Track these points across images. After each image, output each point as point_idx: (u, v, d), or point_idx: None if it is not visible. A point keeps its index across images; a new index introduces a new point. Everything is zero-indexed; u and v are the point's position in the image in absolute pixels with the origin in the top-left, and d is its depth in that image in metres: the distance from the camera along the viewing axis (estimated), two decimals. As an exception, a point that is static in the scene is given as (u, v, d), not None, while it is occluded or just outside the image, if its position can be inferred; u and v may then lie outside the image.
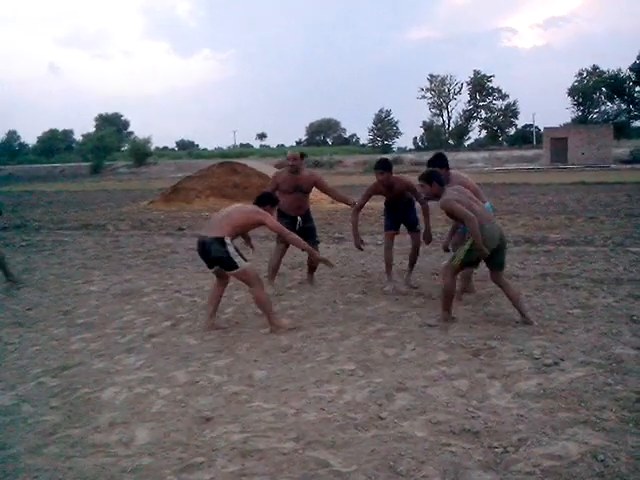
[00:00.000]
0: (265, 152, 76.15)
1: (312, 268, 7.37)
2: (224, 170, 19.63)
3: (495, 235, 5.33)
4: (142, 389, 4.23)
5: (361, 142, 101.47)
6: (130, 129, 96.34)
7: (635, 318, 5.33)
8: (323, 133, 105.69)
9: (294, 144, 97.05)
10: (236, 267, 5.33)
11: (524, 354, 4.56)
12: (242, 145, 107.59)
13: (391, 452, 3.17)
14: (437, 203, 5.54)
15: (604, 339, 4.83)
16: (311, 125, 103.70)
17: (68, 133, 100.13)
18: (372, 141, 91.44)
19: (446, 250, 6.43)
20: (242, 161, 22.68)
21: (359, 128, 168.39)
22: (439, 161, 6.18)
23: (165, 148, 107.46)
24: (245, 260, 5.43)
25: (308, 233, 7.00)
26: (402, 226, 7.07)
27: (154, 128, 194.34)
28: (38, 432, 3.59)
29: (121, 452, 3.31)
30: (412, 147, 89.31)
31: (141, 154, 65.65)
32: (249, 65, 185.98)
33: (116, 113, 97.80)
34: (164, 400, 4.02)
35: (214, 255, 5.35)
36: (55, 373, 4.59)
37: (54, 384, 4.39)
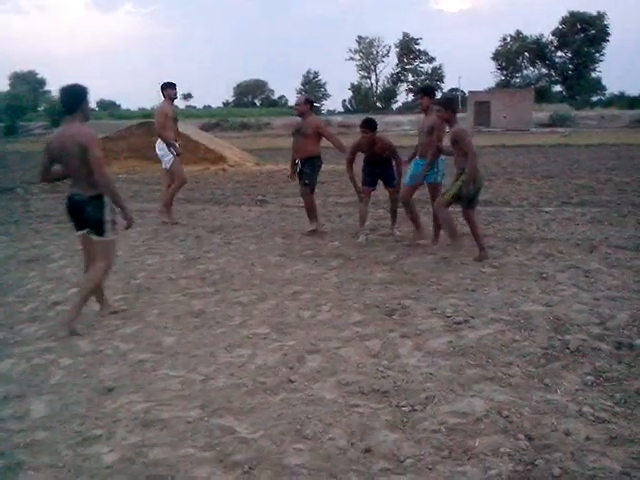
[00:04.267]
0: (191, 113, 73.90)
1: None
2: (144, 131, 18.80)
3: (482, 176, 6.20)
4: (41, 360, 3.99)
5: (290, 104, 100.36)
6: (47, 88, 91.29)
7: (545, 276, 5.48)
8: (251, 94, 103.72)
9: (221, 105, 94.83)
10: (103, 234, 4.55)
11: (436, 313, 4.60)
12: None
13: (298, 415, 3.10)
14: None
15: (514, 297, 4.93)
16: (239, 86, 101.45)
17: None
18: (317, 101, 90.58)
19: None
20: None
21: (288, 89, 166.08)
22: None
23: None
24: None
25: (300, 175, 7.68)
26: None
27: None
28: None
29: (14, 427, 3.10)
30: (341, 109, 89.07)
31: (59, 114, 62.50)
32: (173, 21, 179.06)
33: (31, 71, 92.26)
34: (64, 371, 3.81)
35: (88, 215, 4.52)
36: (-55, 345, 4.27)
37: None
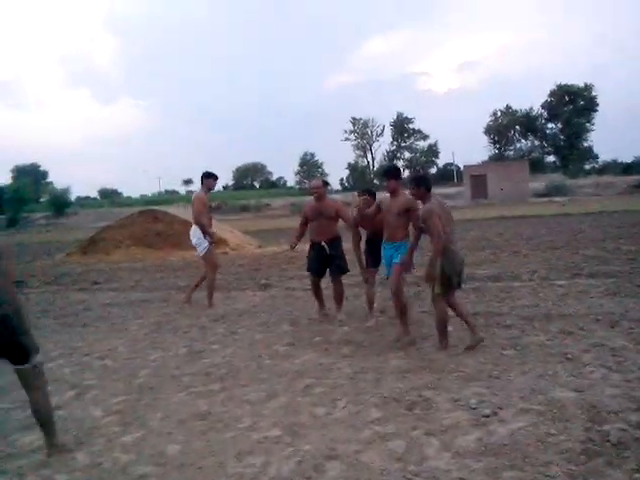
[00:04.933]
0: (192, 198, 75.03)
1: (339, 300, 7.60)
2: (145, 218, 18.91)
3: (458, 257, 5.67)
4: (36, 477, 3.64)
5: (288, 184, 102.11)
6: (50, 179, 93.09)
7: (570, 356, 5.18)
8: (250, 177, 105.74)
9: (221, 189, 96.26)
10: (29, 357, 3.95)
11: (460, 404, 4.27)
12: (167, 192, 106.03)
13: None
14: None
15: (541, 382, 4.61)
16: (238, 169, 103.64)
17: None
18: (299, 183, 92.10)
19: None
20: (164, 208, 22.01)
21: (285, 171, 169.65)
22: (395, 172, 6.43)
23: (87, 197, 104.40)
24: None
25: (333, 262, 7.37)
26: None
27: (75, 178, 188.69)
28: None
29: None
30: (339, 188, 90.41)
31: (60, 204, 63.41)
32: (172, 111, 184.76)
33: (34, 163, 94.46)
34: (58, 491, 3.46)
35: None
36: None
37: None
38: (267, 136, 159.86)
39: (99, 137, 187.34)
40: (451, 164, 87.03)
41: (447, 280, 5.53)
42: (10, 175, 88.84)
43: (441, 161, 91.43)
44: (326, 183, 7.78)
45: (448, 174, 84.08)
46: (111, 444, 4.08)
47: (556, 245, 13.86)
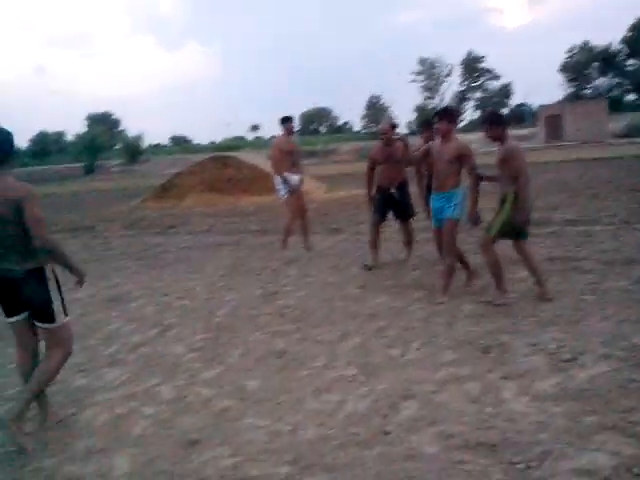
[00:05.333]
0: (259, 144, 75.41)
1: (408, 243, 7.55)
2: (215, 164, 19.19)
3: (529, 206, 5.29)
4: (124, 408, 3.86)
5: (354, 129, 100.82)
6: (122, 127, 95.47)
7: (654, 302, 4.98)
8: (316, 122, 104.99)
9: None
10: (52, 319, 3.55)
11: (539, 349, 4.20)
12: (235, 138, 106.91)
13: (399, 474, 2.81)
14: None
15: (623, 327, 4.46)
16: (303, 115, 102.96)
17: (60, 135, 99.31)
18: (366, 127, 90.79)
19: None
20: (234, 154, 22.24)
21: (351, 115, 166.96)
22: (447, 113, 5.80)
23: (159, 145, 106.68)
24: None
25: (401, 207, 7.21)
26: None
27: (147, 125, 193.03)
28: (9, 465, 3.23)
29: (97, 487, 2.96)
30: (407, 131, 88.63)
31: (133, 152, 65.09)
32: (238, 57, 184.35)
33: (106, 112, 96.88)
34: (148, 420, 3.66)
35: (29, 297, 3.50)
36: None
37: (31, 406, 4.01)
38: (333, 80, 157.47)
39: (168, 85, 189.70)
40: (524, 104, 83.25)
41: (510, 229, 5.19)
42: (85, 124, 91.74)
43: (514, 101, 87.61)
44: (394, 126, 7.50)
45: (521, 115, 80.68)
46: (193, 379, 4.27)
47: (636, 187, 13.17)
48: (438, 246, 5.98)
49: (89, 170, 59.90)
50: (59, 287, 3.55)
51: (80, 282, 3.71)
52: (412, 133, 78.99)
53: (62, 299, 3.57)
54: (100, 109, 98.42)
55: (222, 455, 3.16)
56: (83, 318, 6.12)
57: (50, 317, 3.52)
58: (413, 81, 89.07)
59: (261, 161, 20.10)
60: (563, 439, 2.99)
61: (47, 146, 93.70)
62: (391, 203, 7.25)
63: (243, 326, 5.37)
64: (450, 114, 5.77)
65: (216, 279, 7.35)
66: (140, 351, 4.97)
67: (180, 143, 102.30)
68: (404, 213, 7.30)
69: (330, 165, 39.87)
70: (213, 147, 72.54)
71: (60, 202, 23.57)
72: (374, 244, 7.32)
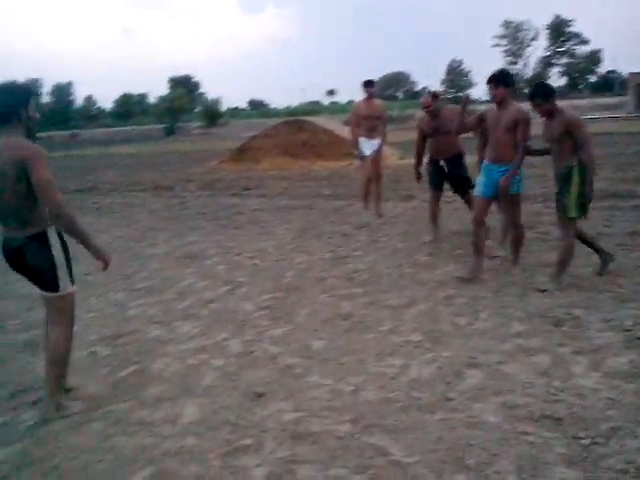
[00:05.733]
0: (334, 109, 75.12)
1: None
2: (290, 128, 19.27)
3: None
4: (194, 360, 4.02)
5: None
6: (202, 90, 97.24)
7: None
8: (393, 87, 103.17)
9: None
10: (56, 288, 3.31)
11: (613, 325, 4.04)
12: (311, 102, 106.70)
13: (459, 441, 2.80)
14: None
15: None
16: (381, 79, 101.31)
17: (143, 96, 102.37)
18: (444, 93, 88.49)
19: None
20: (309, 118, 22.22)
21: (430, 80, 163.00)
22: (504, 77, 5.33)
23: (237, 108, 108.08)
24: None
25: (453, 180, 6.80)
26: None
27: (226, 89, 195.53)
28: (83, 405, 3.43)
29: (166, 431, 3.10)
30: (486, 98, 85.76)
31: (212, 115, 66.24)
32: (316, 20, 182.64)
33: (187, 75, 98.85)
34: (216, 372, 3.80)
35: (30, 264, 3.27)
36: (108, 342, 4.46)
37: (107, 353, 4.25)
38: (412, 44, 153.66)
39: (248, 48, 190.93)
40: (613, 71, 78.59)
41: (586, 201, 4.77)
42: (167, 86, 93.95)
43: (602, 68, 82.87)
44: (436, 96, 6.93)
45: (609, 82, 76.24)
46: (261, 336, 4.38)
47: None
48: (478, 216, 5.44)
49: (170, 132, 61.46)
50: (66, 254, 3.31)
51: (103, 263, 3.39)
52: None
53: (69, 267, 3.32)
54: (182, 72, 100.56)
55: (285, 409, 3.24)
56: (159, 273, 6.37)
57: (53, 285, 3.27)
58: (496, 45, 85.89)
59: (336, 126, 20.02)
60: (633, 417, 2.88)
61: (130, 107, 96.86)
62: (444, 175, 6.86)
63: (311, 288, 5.43)
64: (506, 78, 5.33)
65: (287, 241, 7.45)
66: (211, 307, 5.13)
67: (257, 107, 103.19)
68: (457, 185, 6.87)
69: (406, 131, 39.18)
70: (289, 111, 72.80)
71: (142, 162, 24.39)
72: (432, 218, 6.97)
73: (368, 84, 8.49)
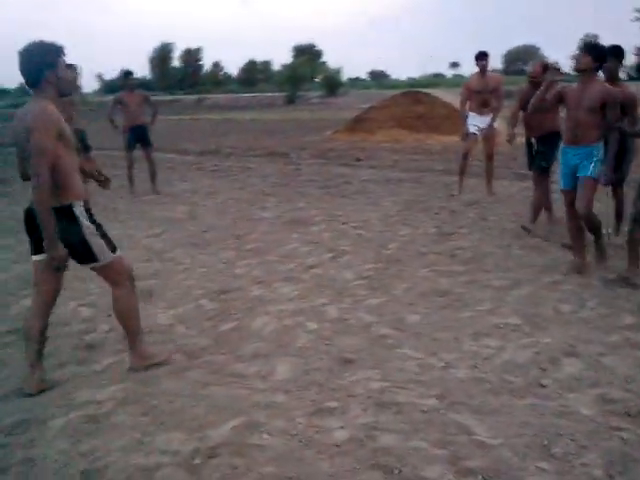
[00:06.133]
0: (457, 82, 72.83)
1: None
2: (407, 100, 18.95)
3: None
4: (291, 321, 4.15)
5: (563, 70, 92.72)
6: (324, 59, 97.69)
7: None
8: (521, 61, 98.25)
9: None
10: (95, 259, 3.24)
11: None
12: (434, 75, 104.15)
13: (547, 428, 2.72)
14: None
15: None
16: (508, 53, 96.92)
17: (266, 64, 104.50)
18: (558, 66, 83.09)
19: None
20: (428, 90, 21.74)
21: (561, 55, 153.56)
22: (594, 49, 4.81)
23: (357, 79, 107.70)
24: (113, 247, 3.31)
25: (536, 157, 6.34)
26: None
27: (347, 58, 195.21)
28: (185, 354, 3.67)
29: (257, 385, 3.25)
30: (624, 77, 79.65)
31: (332, 84, 66.41)
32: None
33: (310, 43, 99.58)
34: (310, 335, 3.91)
35: (63, 239, 3.11)
36: (214, 296, 4.70)
37: (211, 307, 4.49)
38: (543, 16, 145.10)
39: (370, 18, 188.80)
40: None
41: None
42: (291, 54, 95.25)
43: None
44: (546, 67, 6.08)
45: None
46: (357, 304, 4.43)
47: None
48: (569, 211, 5.01)
49: (290, 100, 62.30)
50: (96, 224, 3.20)
51: (50, 259, 3.08)
52: (632, 78, 70.98)
53: (104, 235, 3.24)
54: (306, 40, 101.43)
55: (372, 378, 3.28)
56: (267, 236, 6.58)
57: (90, 256, 3.20)
58: (637, 19, 79.10)
59: (455, 100, 19.45)
60: None
61: (254, 75, 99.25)
62: (533, 153, 6.40)
63: (412, 261, 5.41)
64: (597, 49, 4.76)
65: (393, 213, 7.43)
66: (313, 272, 5.25)
67: (378, 78, 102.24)
68: (537, 165, 6.31)
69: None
70: (410, 83, 71.55)
71: (261, 129, 25.03)
72: (535, 204, 6.35)
73: (480, 56, 8.13)
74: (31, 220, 3.10)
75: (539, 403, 2.95)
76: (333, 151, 15.09)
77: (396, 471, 2.46)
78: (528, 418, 2.82)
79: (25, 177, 3.16)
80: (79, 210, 3.13)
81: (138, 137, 9.33)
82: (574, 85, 4.89)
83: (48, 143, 2.93)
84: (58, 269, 3.15)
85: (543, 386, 3.12)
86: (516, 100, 6.63)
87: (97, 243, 3.18)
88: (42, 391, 3.26)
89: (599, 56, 4.72)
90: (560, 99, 5.00)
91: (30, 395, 3.22)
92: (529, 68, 6.47)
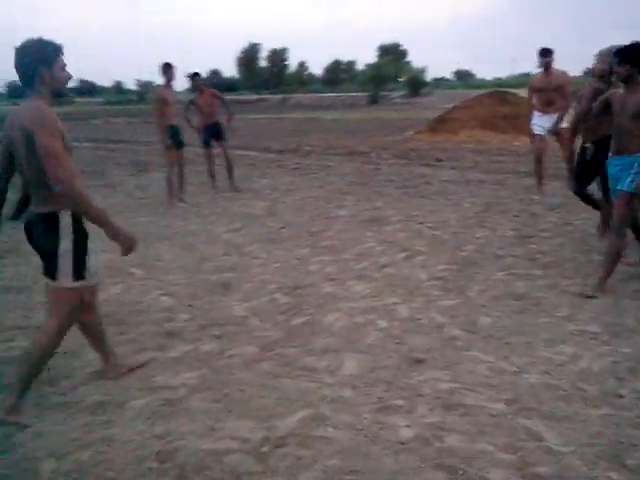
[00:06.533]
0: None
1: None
2: (493, 100, 18.51)
3: None
4: (362, 318, 4.18)
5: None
6: (409, 59, 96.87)
7: None
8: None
9: (581, 74, 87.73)
10: (54, 273, 2.94)
11: None
12: (521, 75, 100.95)
13: (622, 439, 2.62)
14: None
15: None
16: (599, 54, 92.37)
17: (350, 64, 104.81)
18: None
19: None
20: (514, 91, 21.15)
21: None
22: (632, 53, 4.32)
23: (442, 78, 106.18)
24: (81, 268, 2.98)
25: (594, 169, 5.35)
26: None
27: (432, 58, 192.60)
28: (258, 346, 3.77)
29: (326, 379, 3.30)
30: None
31: (416, 84, 65.80)
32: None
33: (395, 43, 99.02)
34: (380, 333, 3.93)
35: (37, 245, 3.00)
36: (288, 291, 4.80)
37: (284, 301, 4.59)
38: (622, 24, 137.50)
39: (456, 17, 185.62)
40: None
41: None
42: (375, 54, 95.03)
43: None
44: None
45: None
46: (430, 305, 4.41)
47: None
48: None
49: (373, 100, 62.09)
50: (79, 243, 2.94)
51: (123, 247, 3.00)
52: None
53: (79, 258, 2.94)
54: (392, 39, 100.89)
55: (441, 378, 3.27)
56: (342, 234, 6.64)
57: (51, 272, 2.94)
58: None
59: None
60: None
61: (338, 74, 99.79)
62: (587, 163, 5.52)
63: (487, 264, 5.31)
64: (635, 54, 4.30)
65: (471, 215, 7.30)
66: (386, 271, 5.26)
67: (463, 77, 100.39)
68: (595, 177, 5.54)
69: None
70: (496, 83, 69.87)
71: (343, 128, 25.15)
72: (602, 221, 5.72)
73: (543, 53, 7.82)
74: (27, 233, 2.99)
75: (614, 413, 2.85)
76: (414, 151, 14.96)
77: (460, 472, 2.45)
78: (601, 427, 2.72)
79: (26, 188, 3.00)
80: (65, 220, 2.88)
81: (213, 134, 9.63)
82: (620, 91, 4.55)
83: (55, 143, 2.75)
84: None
85: (620, 396, 3.00)
86: (579, 103, 5.65)
87: (64, 263, 2.90)
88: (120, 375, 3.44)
89: (637, 60, 4.29)
90: (607, 106, 4.65)
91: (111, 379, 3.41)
92: (593, 65, 5.61)
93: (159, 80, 9.11)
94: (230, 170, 9.70)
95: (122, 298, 4.72)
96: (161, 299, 4.71)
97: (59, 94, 2.99)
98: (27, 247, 3.11)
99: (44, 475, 2.57)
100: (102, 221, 2.87)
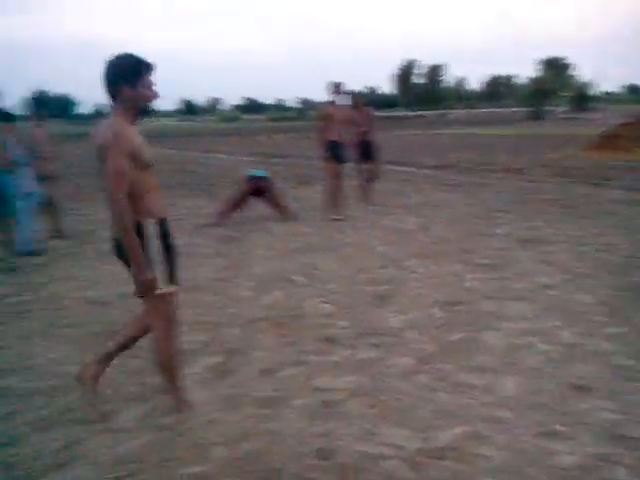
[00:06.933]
0: None
1: None
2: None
3: None
4: (521, 340, 4.07)
5: None
6: (574, 72, 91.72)
7: None
8: None
9: None
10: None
11: None
12: None
13: None
14: None
15: None
16: None
17: (509, 78, 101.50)
18: None
19: None
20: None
21: None
22: None
23: (612, 93, 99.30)
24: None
25: None
26: None
27: (603, 72, 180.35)
28: (414, 358, 3.82)
29: (483, 398, 3.27)
30: None
31: (581, 98, 62.18)
32: None
33: (558, 56, 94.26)
34: (540, 356, 3.80)
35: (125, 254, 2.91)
36: (444, 306, 4.79)
37: (440, 316, 4.59)
38: None
39: (622, 27, 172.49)
40: None
41: None
42: (537, 68, 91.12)
43: None
44: None
45: None
46: (593, 330, 4.19)
47: None
48: None
49: (535, 115, 59.30)
50: (165, 251, 2.96)
51: (136, 288, 2.90)
52: None
53: (170, 265, 2.98)
54: (556, 53, 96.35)
55: (607, 408, 3.10)
56: (498, 252, 6.51)
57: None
58: None
59: None
60: None
61: (498, 89, 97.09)
62: None
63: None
64: None
65: (585, 233, 6.82)
66: (547, 292, 5.07)
67: (636, 92, 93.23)
68: None
69: None
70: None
71: (500, 144, 24.43)
72: None
73: None
74: (115, 249, 2.99)
75: None
76: (576, 169, 14.18)
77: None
78: None
79: None
80: (147, 230, 2.89)
81: (365, 151, 10.00)
82: None
83: (121, 162, 2.75)
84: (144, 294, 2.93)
85: None
86: None
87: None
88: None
89: None
90: None
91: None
92: None
93: (320, 98, 9.53)
94: (373, 183, 10.18)
95: (284, 303, 5.01)
96: (322, 306, 4.92)
97: (144, 112, 2.98)
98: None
99: (214, 461, 2.80)
100: (133, 252, 2.82)
